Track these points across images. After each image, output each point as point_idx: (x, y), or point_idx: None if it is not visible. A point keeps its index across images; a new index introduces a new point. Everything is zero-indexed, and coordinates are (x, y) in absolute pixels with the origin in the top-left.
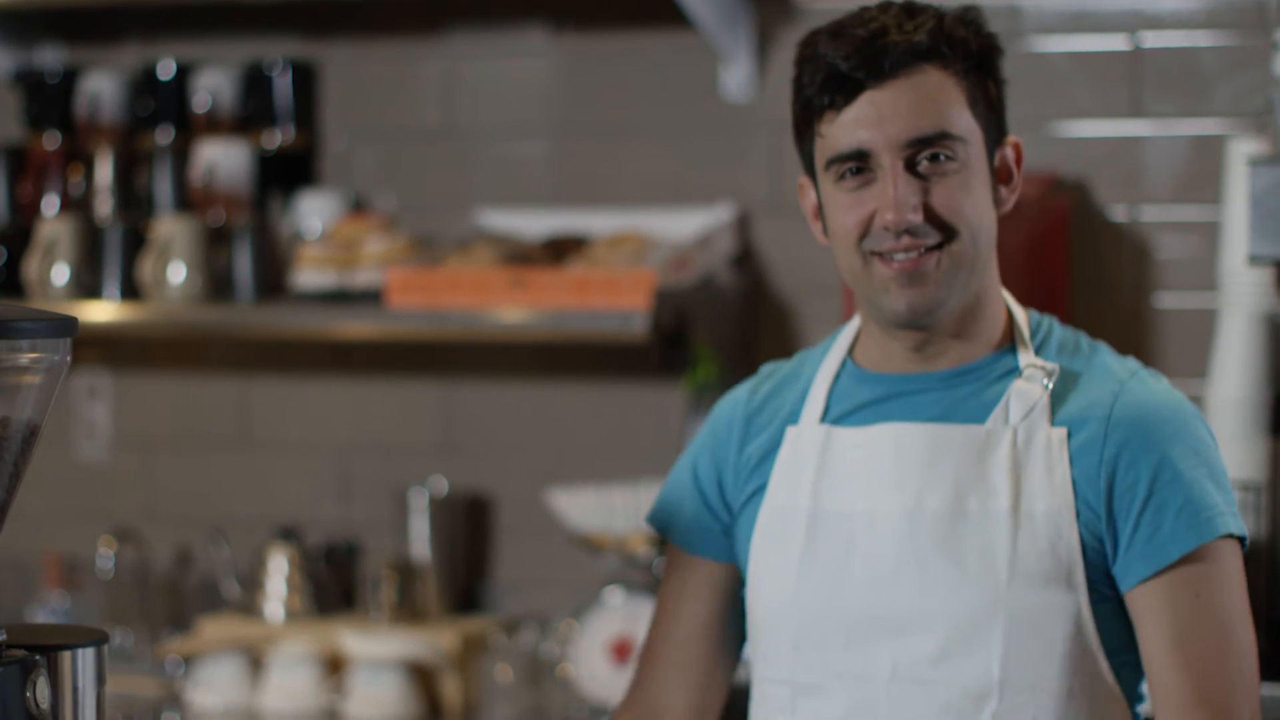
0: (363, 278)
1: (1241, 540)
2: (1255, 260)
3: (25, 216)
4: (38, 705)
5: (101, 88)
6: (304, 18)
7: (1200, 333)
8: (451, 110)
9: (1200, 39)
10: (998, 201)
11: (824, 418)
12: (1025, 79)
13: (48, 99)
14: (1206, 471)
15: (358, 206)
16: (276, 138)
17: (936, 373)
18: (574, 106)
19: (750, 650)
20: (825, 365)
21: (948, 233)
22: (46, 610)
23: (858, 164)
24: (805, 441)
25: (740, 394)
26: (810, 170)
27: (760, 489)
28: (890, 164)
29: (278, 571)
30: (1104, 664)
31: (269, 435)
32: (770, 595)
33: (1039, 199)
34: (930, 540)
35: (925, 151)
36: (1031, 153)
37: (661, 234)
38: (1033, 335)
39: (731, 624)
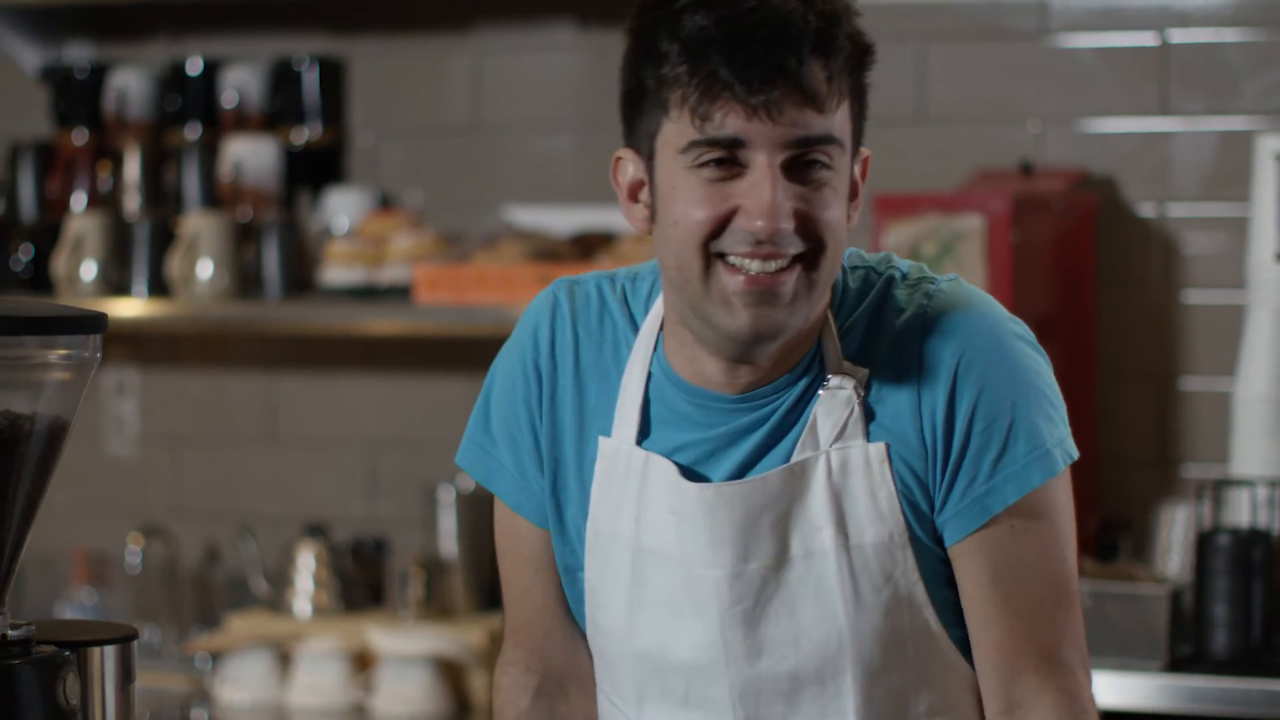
0: (390, 274)
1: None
2: None
3: (53, 213)
4: (67, 701)
5: (130, 84)
6: (332, 14)
7: (1228, 329)
8: (479, 106)
9: (1228, 35)
10: (848, 217)
11: (641, 435)
12: (1053, 75)
13: (76, 95)
14: (1024, 399)
15: (385, 203)
16: (304, 134)
17: (745, 395)
18: (602, 102)
19: (597, 669)
20: (633, 364)
21: (815, 246)
22: (75, 606)
23: (726, 154)
24: (621, 464)
25: (560, 313)
26: (638, 144)
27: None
28: (767, 162)
29: (305, 568)
30: (961, 662)
31: (297, 431)
32: (611, 628)
33: (1066, 195)
34: (760, 599)
35: (806, 154)
36: (1059, 149)
37: None
38: (837, 314)
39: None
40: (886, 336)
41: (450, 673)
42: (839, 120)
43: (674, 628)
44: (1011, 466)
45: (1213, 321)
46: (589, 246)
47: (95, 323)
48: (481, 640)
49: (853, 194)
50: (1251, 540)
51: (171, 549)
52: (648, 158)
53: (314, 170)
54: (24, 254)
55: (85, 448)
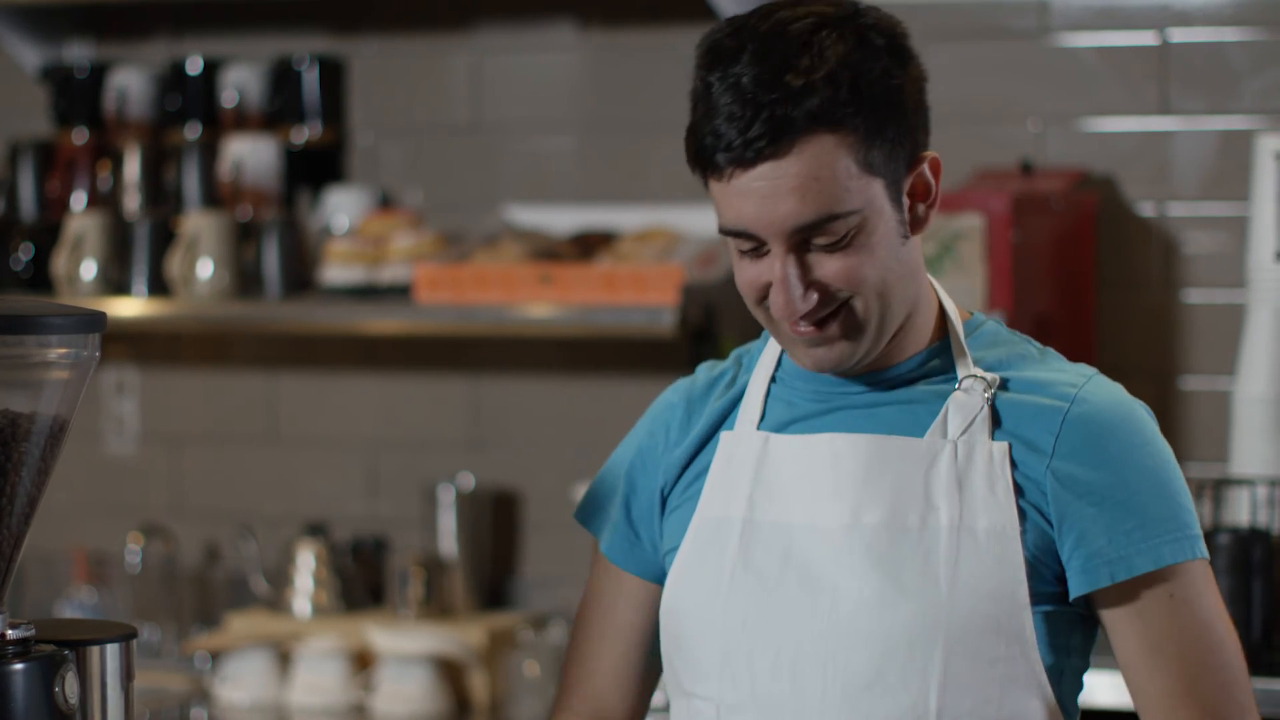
0: (390, 273)
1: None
2: None
3: (53, 212)
4: (66, 700)
5: (130, 83)
6: (332, 13)
7: (1228, 329)
8: (479, 106)
9: (1228, 35)
10: (915, 223)
11: (761, 423)
12: (1053, 75)
13: (76, 95)
14: (1165, 488)
15: (385, 202)
16: (304, 133)
17: (873, 373)
18: (602, 102)
19: (669, 662)
20: (761, 365)
21: (850, 294)
22: (74, 605)
23: (747, 242)
24: (741, 449)
25: (675, 395)
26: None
27: (687, 502)
28: (778, 251)
29: (305, 567)
30: (1044, 679)
31: (297, 431)
32: (697, 605)
33: (1066, 195)
34: (867, 556)
35: (814, 235)
36: (1059, 149)
37: (689, 229)
38: (968, 337)
39: (657, 637)
40: (1038, 376)
41: (450, 672)
42: (845, 193)
43: (777, 591)
44: (1151, 538)
45: (1213, 321)
46: (589, 246)
47: (95, 322)
48: (481, 639)
49: (922, 195)
50: (1251, 539)
51: (171, 548)
52: None
53: (314, 170)
54: (24, 253)
55: (85, 447)
